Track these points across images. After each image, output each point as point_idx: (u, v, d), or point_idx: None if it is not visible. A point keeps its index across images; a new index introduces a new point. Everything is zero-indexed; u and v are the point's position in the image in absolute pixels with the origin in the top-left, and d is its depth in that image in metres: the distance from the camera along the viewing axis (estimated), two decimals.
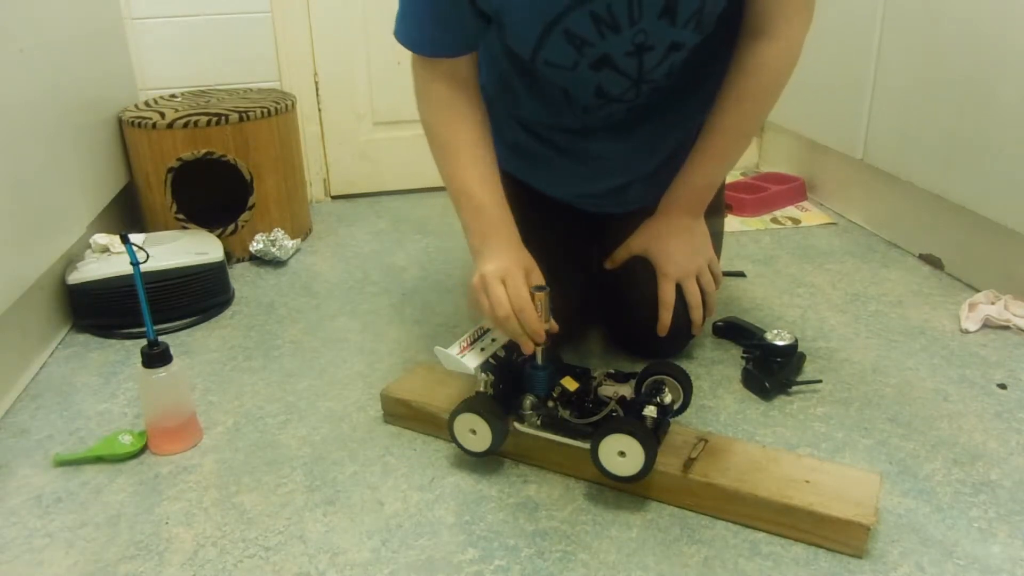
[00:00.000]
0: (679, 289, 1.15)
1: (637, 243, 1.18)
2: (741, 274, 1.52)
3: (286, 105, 1.70)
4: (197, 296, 1.42)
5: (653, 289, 1.15)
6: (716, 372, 1.18)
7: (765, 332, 1.16)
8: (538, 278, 1.02)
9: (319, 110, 2.01)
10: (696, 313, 1.15)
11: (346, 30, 1.95)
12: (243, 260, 1.67)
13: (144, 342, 1.01)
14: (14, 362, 1.21)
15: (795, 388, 1.12)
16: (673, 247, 1.16)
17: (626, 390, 0.96)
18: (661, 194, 1.18)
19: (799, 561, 0.82)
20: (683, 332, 1.18)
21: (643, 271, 1.17)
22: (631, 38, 1.00)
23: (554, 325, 0.98)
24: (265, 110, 1.63)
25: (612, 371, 1.00)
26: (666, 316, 1.14)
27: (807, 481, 0.87)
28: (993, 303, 1.31)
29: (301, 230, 1.79)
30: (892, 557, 0.82)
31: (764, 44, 1.05)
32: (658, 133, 1.18)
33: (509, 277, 0.97)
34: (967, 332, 1.27)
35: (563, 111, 1.15)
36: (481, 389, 0.97)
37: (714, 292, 1.18)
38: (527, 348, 0.96)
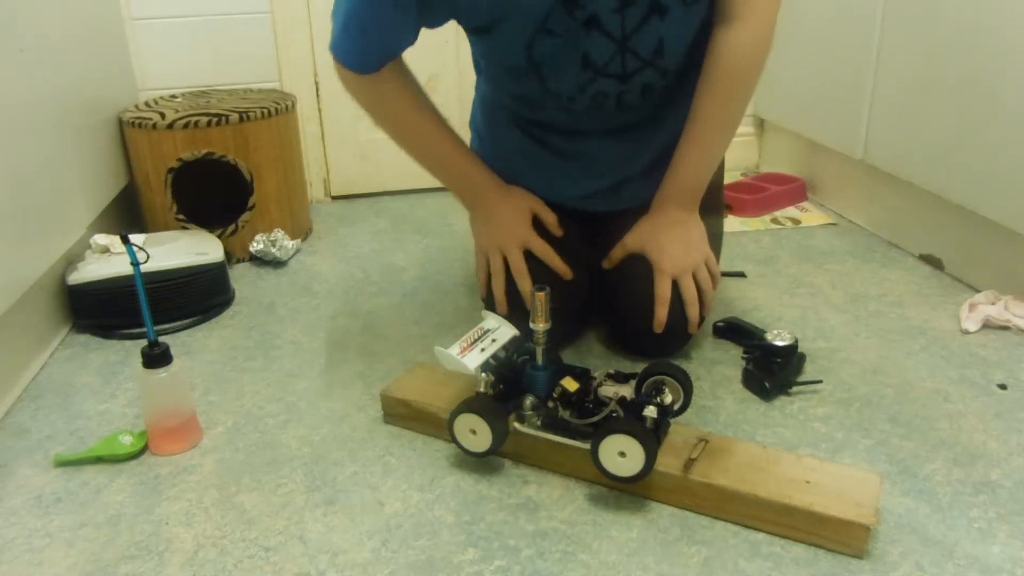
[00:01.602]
0: (672, 288, 1.15)
1: (632, 240, 1.19)
2: (741, 274, 1.52)
3: (286, 105, 1.70)
4: (197, 296, 1.42)
5: (650, 286, 1.15)
6: (716, 372, 1.18)
7: (765, 332, 1.16)
8: (540, 208, 1.21)
9: (319, 110, 2.01)
10: (692, 310, 1.15)
11: None
12: (243, 260, 1.68)
13: (144, 342, 1.01)
14: (14, 362, 1.21)
15: (795, 388, 1.12)
16: (667, 242, 1.16)
17: (626, 390, 0.96)
18: (655, 191, 1.19)
19: (799, 562, 0.82)
20: (681, 330, 1.18)
21: (640, 269, 1.17)
22: None
23: (566, 270, 1.18)
24: (265, 110, 1.63)
25: (612, 371, 1.00)
26: (662, 312, 1.14)
27: (807, 481, 0.87)
28: (993, 303, 1.31)
29: (301, 230, 1.79)
30: (892, 557, 0.82)
31: (734, 28, 1.06)
32: (648, 133, 1.19)
33: (508, 253, 1.18)
34: (967, 332, 1.27)
35: (551, 107, 1.17)
36: (481, 389, 0.97)
37: (711, 289, 1.18)
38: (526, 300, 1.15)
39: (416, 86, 1.17)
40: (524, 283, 1.16)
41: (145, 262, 0.99)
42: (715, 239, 1.25)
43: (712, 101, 1.11)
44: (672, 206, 1.17)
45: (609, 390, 0.96)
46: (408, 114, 1.17)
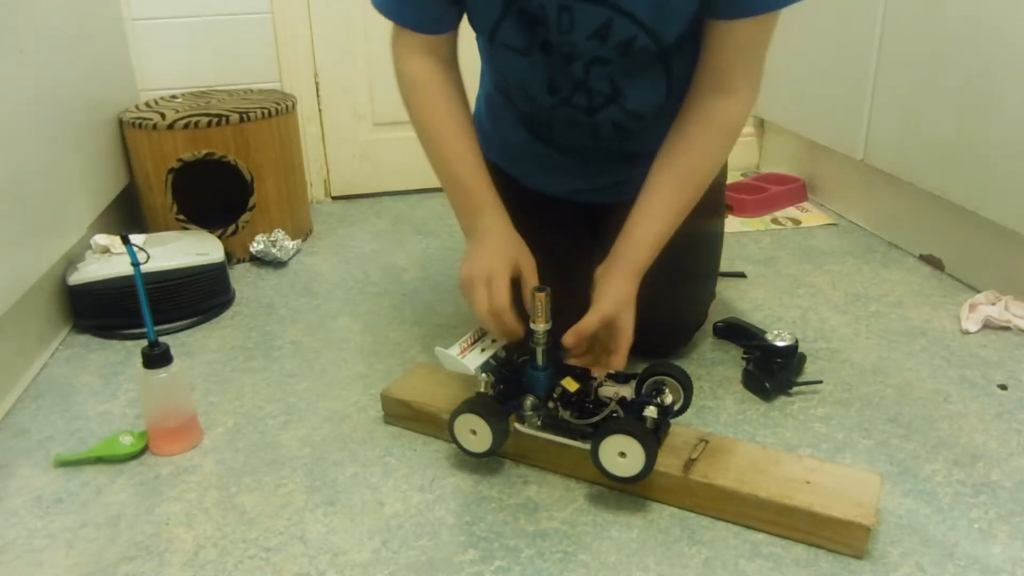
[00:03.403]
0: (672, 288, 1.13)
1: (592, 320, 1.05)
2: (741, 275, 1.52)
3: (287, 106, 1.70)
4: (198, 297, 1.42)
5: (650, 290, 1.14)
6: (716, 373, 1.18)
7: (766, 333, 1.16)
8: (528, 264, 1.04)
9: (319, 110, 2.01)
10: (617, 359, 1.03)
11: (346, 30, 1.95)
12: (244, 261, 1.68)
13: (145, 343, 1.01)
14: (15, 362, 1.21)
15: (795, 389, 1.12)
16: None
17: (626, 391, 0.96)
18: None
19: (799, 562, 0.82)
20: (683, 330, 1.19)
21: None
22: (559, 44, 1.02)
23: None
24: (265, 111, 1.63)
25: (612, 372, 1.00)
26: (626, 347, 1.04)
27: (807, 482, 0.87)
28: (994, 304, 1.31)
29: (301, 231, 1.79)
30: (892, 558, 0.82)
31: (722, 99, 1.02)
32: (643, 143, 1.18)
33: (493, 279, 1.00)
34: (967, 333, 1.27)
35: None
36: (481, 390, 0.97)
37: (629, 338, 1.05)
38: (509, 338, 1.01)
39: (458, 92, 1.11)
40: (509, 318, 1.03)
41: (145, 262, 1.00)
42: (716, 239, 1.24)
43: (683, 162, 1.05)
44: (619, 275, 1.05)
45: (609, 390, 0.96)
46: (436, 113, 1.10)
